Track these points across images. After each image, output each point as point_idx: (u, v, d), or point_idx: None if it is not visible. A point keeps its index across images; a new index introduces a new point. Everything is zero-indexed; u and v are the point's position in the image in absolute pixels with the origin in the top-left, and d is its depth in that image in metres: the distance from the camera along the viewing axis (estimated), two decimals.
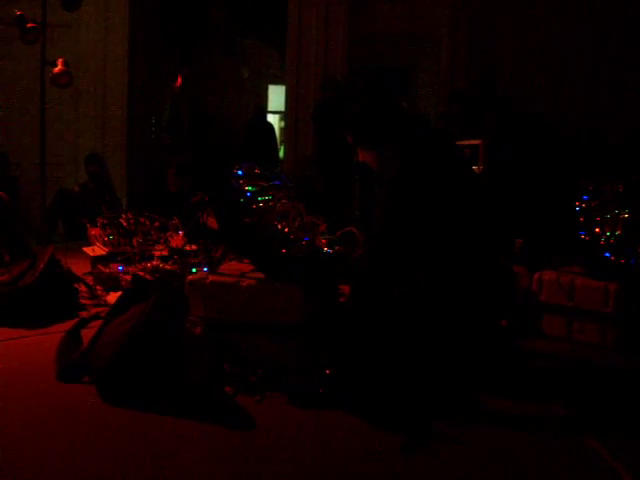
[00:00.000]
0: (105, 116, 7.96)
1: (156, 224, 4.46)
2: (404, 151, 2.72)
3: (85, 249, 4.54)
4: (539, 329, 3.49)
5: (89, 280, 4.16)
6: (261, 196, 2.87)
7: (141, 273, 3.62)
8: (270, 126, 9.49)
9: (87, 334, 2.78)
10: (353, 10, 7.73)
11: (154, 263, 3.78)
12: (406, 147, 2.73)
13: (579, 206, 3.48)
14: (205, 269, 3.23)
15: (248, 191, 2.86)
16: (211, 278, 2.88)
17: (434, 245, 2.65)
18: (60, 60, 5.46)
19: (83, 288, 3.99)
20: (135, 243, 4.26)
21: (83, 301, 3.87)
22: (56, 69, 5.41)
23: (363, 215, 6.38)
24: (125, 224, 4.48)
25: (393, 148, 2.75)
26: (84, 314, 3.50)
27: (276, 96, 11.72)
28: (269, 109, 12.06)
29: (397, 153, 2.73)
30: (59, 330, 3.12)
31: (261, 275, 2.85)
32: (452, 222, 2.64)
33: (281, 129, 11.03)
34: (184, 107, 7.53)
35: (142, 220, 4.49)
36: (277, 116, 12.23)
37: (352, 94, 3.09)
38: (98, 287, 4.12)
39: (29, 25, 5.19)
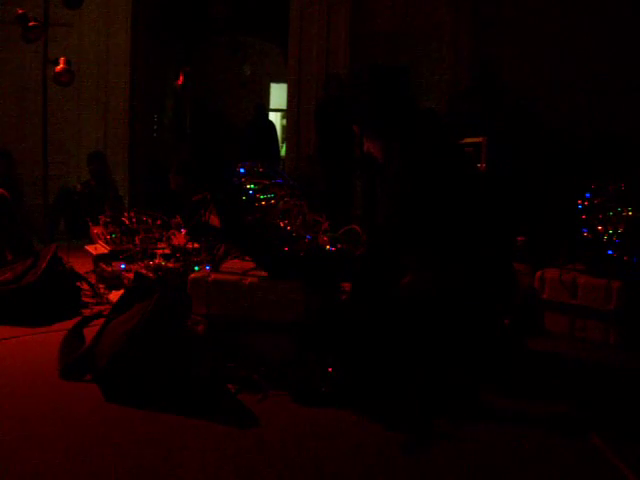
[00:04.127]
0: (107, 114, 7.97)
1: (158, 222, 4.46)
2: (410, 147, 2.72)
3: (87, 247, 4.55)
4: (541, 327, 3.48)
5: (91, 278, 4.16)
6: (263, 194, 2.86)
7: (143, 271, 3.62)
8: (272, 124, 9.50)
9: (90, 332, 2.79)
10: (355, 8, 7.72)
11: (156, 261, 3.78)
12: (412, 143, 2.72)
13: (581, 204, 3.48)
14: (207, 267, 3.23)
15: (250, 189, 2.86)
16: (213, 276, 2.88)
17: (436, 243, 2.65)
18: (62, 58, 5.46)
19: (85, 286, 4.00)
20: (137, 241, 4.26)
21: (85, 299, 3.88)
22: (58, 67, 5.42)
23: (365, 213, 6.39)
24: (127, 222, 4.48)
25: (399, 143, 2.74)
26: (87, 312, 3.51)
27: (278, 94, 11.73)
28: (271, 107, 12.07)
29: (402, 149, 2.72)
30: (62, 328, 3.13)
31: (263, 273, 2.84)
32: (454, 220, 2.64)
33: (283, 127, 11.04)
34: (186, 105, 7.54)
35: (144, 218, 4.49)
36: (279, 114, 12.23)
37: (356, 91, 3.07)
38: (100, 285, 4.13)
39: (31, 23, 5.19)
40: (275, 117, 12.03)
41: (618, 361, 3.06)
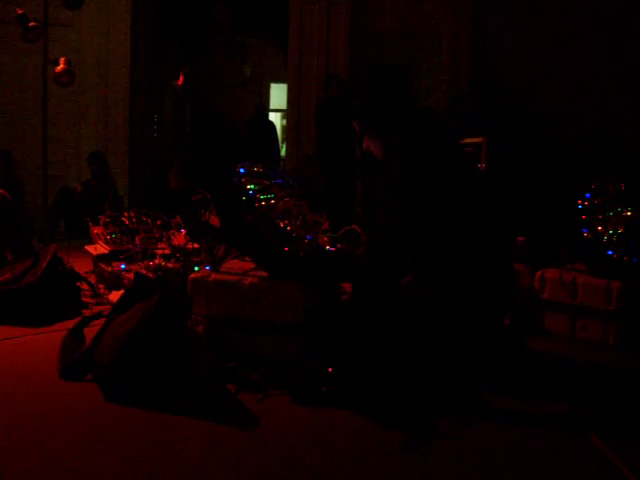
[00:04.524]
0: (107, 114, 7.97)
1: (158, 222, 4.46)
2: (410, 146, 2.71)
3: (87, 247, 4.55)
4: (541, 327, 3.48)
5: (91, 279, 4.16)
6: (263, 194, 2.86)
7: (143, 271, 3.62)
8: (272, 124, 9.49)
9: (90, 332, 2.79)
10: (355, 8, 7.73)
11: (156, 261, 3.78)
12: (412, 142, 2.72)
13: (581, 204, 3.48)
14: (207, 267, 3.23)
15: (250, 189, 2.86)
16: (213, 276, 2.88)
17: (436, 243, 2.65)
18: (62, 59, 5.46)
19: (85, 287, 4.00)
20: (137, 241, 4.26)
21: (85, 299, 3.88)
22: (58, 68, 5.42)
23: (365, 213, 6.39)
24: (127, 222, 4.49)
25: (399, 142, 2.74)
26: (87, 312, 3.50)
27: (278, 94, 11.72)
28: (271, 107, 12.05)
29: (402, 148, 2.72)
30: (62, 328, 3.14)
31: (263, 273, 2.85)
32: (454, 219, 2.64)
33: (283, 127, 11.03)
34: (186, 105, 7.53)
35: (144, 218, 4.49)
36: (279, 114, 12.22)
37: (356, 88, 3.08)
38: (100, 285, 4.13)
39: (31, 24, 5.19)
40: (275, 117, 12.02)
41: (618, 361, 3.06)
